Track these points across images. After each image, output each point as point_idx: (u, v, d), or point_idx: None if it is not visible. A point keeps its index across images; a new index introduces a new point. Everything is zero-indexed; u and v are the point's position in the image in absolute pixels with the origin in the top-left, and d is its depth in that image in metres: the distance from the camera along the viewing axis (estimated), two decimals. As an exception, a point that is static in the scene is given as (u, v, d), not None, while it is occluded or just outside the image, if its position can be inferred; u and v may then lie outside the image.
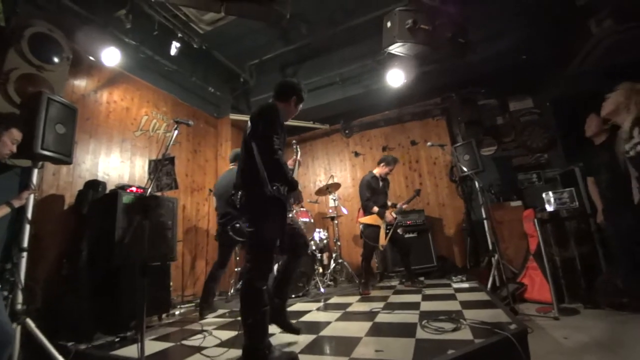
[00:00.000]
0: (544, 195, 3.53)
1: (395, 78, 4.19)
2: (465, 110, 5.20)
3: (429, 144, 4.17)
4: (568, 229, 3.58)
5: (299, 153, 2.57)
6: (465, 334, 1.87)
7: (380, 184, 4.08)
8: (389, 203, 4.17)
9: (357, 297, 3.41)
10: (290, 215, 2.22)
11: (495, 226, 4.09)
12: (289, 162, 2.47)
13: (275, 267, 2.31)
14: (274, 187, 1.79)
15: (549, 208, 3.46)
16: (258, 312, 1.70)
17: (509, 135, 5.04)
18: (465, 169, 3.99)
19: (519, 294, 3.54)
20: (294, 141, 2.61)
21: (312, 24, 4.40)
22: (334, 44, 4.89)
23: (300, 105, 2.19)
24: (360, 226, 4.02)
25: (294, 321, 2.60)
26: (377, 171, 4.13)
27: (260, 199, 1.80)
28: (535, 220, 3.24)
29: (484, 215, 3.97)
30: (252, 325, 1.69)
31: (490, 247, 3.82)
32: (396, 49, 3.26)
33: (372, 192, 3.96)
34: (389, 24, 3.28)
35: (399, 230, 3.96)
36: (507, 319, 2.07)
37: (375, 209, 3.85)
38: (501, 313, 2.25)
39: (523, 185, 4.75)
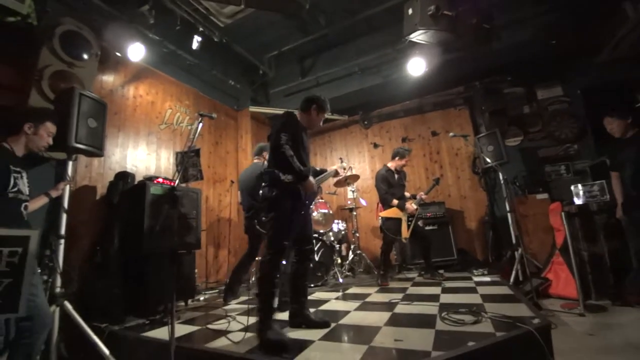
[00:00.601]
0: (572, 187, 3.38)
1: (416, 67, 4.09)
2: (489, 99, 5.02)
3: (451, 134, 4.09)
4: (597, 223, 3.43)
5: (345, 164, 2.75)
6: (486, 327, 1.86)
7: (396, 176, 4.02)
8: (408, 195, 4.11)
9: (376, 288, 3.43)
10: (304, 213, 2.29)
11: (519, 220, 3.97)
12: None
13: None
14: (280, 176, 2.02)
15: (578, 201, 3.32)
16: (264, 296, 1.98)
17: (535, 125, 4.84)
18: (489, 160, 3.88)
19: (543, 289, 3.45)
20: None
21: (330, 14, 4.34)
22: (352, 34, 4.82)
23: (324, 114, 2.38)
24: (380, 220, 3.99)
25: (313, 310, 2.68)
26: (391, 165, 4.06)
27: (271, 192, 2.07)
28: (563, 214, 3.12)
29: (507, 208, 3.86)
30: (259, 307, 2.00)
31: (514, 240, 3.73)
32: (418, 36, 3.19)
33: (389, 186, 3.91)
34: (410, 11, 3.20)
35: (420, 223, 3.90)
36: (530, 314, 2.03)
37: (395, 201, 3.81)
38: (524, 307, 2.21)
39: (550, 178, 4.56)
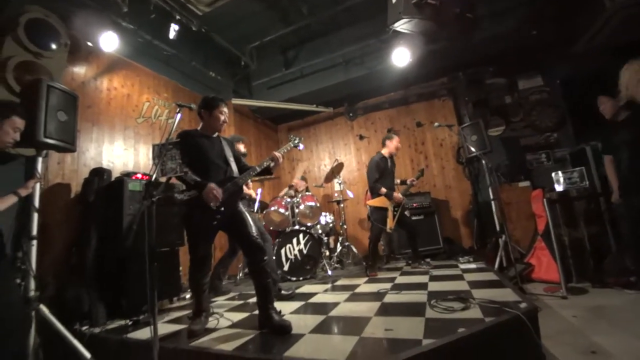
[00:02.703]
0: (553, 174, 3.48)
1: (401, 57, 4.06)
2: (472, 90, 5.08)
3: (436, 124, 4.10)
4: (577, 209, 3.54)
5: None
6: (475, 313, 1.87)
7: (389, 164, 3.97)
8: (398, 181, 4.07)
9: (365, 279, 3.43)
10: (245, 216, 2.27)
11: (502, 207, 4.05)
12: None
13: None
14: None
15: (559, 188, 3.41)
16: (193, 293, 2.29)
17: (517, 114, 4.93)
18: (473, 149, 3.92)
19: (526, 274, 3.54)
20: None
21: (312, 3, 4.25)
22: (336, 24, 4.75)
23: (218, 109, 2.31)
24: (368, 209, 3.97)
25: (302, 303, 2.66)
26: (385, 151, 3.98)
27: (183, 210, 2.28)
28: (545, 201, 3.20)
29: (491, 197, 3.93)
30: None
31: (498, 228, 3.80)
32: (402, 25, 3.16)
33: (381, 174, 3.85)
34: (394, 0, 3.15)
35: (406, 213, 3.88)
36: (517, 298, 2.06)
37: (384, 190, 3.76)
38: (510, 292, 2.25)
39: (531, 166, 4.68)
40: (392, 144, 3.99)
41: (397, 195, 3.78)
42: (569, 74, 4.59)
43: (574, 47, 4.18)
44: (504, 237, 3.59)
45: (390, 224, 3.73)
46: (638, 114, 2.46)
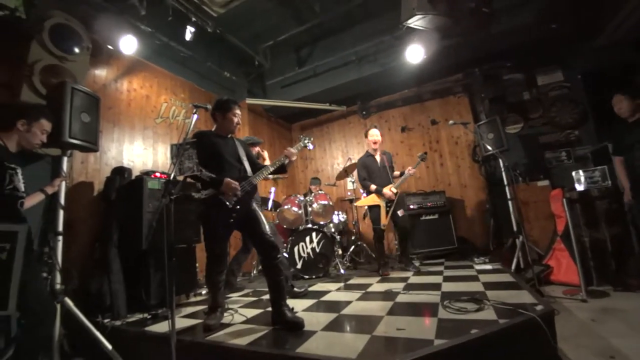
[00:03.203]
0: (573, 173, 3.35)
1: (415, 54, 4.02)
2: (488, 86, 4.96)
3: (451, 122, 4.01)
4: (599, 209, 3.41)
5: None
6: (489, 315, 1.85)
7: (378, 159, 3.83)
8: (397, 173, 3.90)
9: (377, 278, 3.42)
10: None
11: (520, 207, 3.95)
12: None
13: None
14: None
15: (579, 187, 3.29)
16: (209, 289, 2.34)
17: (536, 111, 4.78)
18: (489, 147, 3.84)
19: (545, 276, 3.45)
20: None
21: (325, 1, 4.25)
22: (348, 22, 4.74)
23: (231, 112, 2.34)
24: (365, 209, 3.92)
25: (314, 301, 2.69)
26: (369, 149, 3.91)
27: (200, 209, 2.31)
28: (564, 200, 3.10)
29: (508, 196, 3.84)
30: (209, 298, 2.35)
31: (515, 228, 3.72)
32: (415, 22, 3.12)
33: (368, 172, 3.76)
34: (407, -3, 3.12)
35: (399, 212, 3.69)
36: (533, 300, 2.02)
37: (373, 187, 3.66)
38: (526, 294, 2.20)
39: (551, 164, 4.53)
40: (367, 140, 3.89)
41: (387, 191, 3.62)
42: (591, 69, 4.41)
43: (596, 41, 4.02)
44: (521, 238, 3.51)
45: (383, 220, 3.62)
46: None
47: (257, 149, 3.50)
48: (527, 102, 4.83)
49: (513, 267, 3.37)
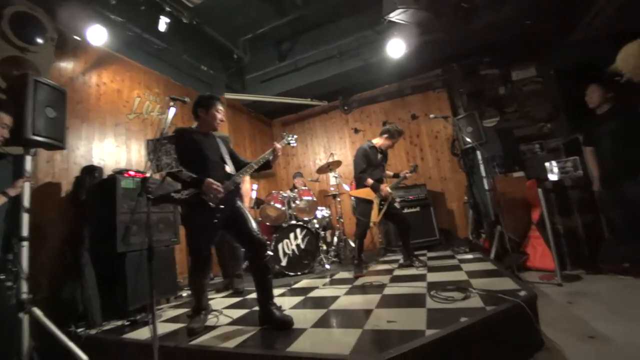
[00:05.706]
0: (546, 164, 3.49)
1: (396, 48, 4.03)
2: (467, 81, 5.08)
3: (431, 116, 4.04)
4: (572, 197, 3.58)
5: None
6: (475, 302, 1.88)
7: (379, 156, 3.61)
8: (391, 174, 3.84)
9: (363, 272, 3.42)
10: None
11: (498, 198, 4.07)
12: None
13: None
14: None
15: (552, 177, 3.43)
16: (193, 292, 2.25)
17: (511, 105, 4.95)
18: (469, 140, 3.93)
19: (522, 262, 3.58)
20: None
21: (306, -7, 4.19)
22: (331, 16, 4.69)
23: (214, 108, 2.26)
24: (353, 201, 3.79)
25: (301, 298, 2.65)
26: (377, 142, 3.62)
27: (182, 210, 2.29)
28: (540, 190, 3.22)
29: (486, 187, 3.95)
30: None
31: (494, 218, 3.83)
32: (397, 16, 3.13)
33: (368, 164, 3.46)
34: (389, -10, 3.12)
35: (397, 205, 3.55)
36: (515, 286, 2.08)
37: (370, 181, 3.39)
38: (508, 281, 2.27)
39: (525, 156, 4.71)
40: (386, 142, 3.62)
41: (385, 188, 3.42)
42: (563, 64, 4.60)
43: (569, 37, 4.18)
44: (500, 227, 3.62)
45: (374, 217, 3.38)
46: (623, 106, 2.53)
47: None
48: (503, 97, 5.00)
49: (492, 255, 3.48)
